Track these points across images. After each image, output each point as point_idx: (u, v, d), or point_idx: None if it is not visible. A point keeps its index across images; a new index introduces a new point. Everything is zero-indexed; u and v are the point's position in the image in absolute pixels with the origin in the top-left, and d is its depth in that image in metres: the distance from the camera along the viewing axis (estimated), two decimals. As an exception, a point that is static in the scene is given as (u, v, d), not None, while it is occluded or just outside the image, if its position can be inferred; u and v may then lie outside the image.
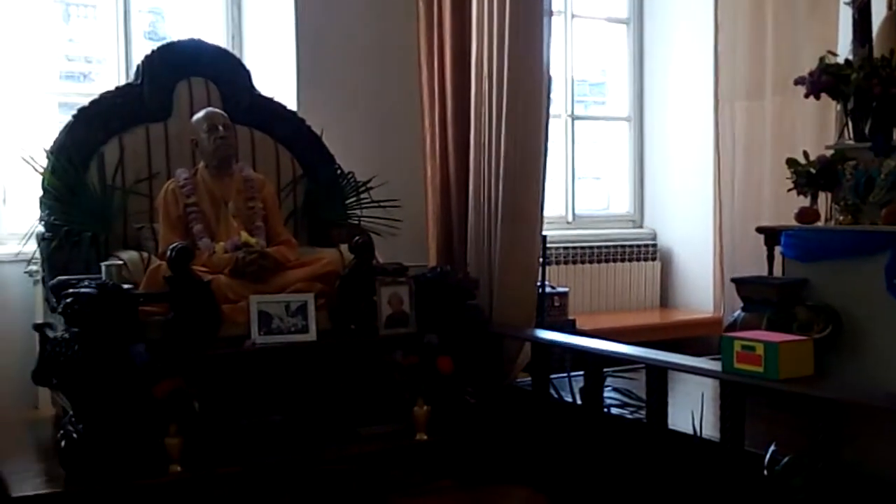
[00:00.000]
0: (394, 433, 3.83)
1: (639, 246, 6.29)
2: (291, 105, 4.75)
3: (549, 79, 4.21)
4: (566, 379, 4.02)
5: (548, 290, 4.97)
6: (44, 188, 4.00)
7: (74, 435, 3.29)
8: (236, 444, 3.68)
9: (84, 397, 3.30)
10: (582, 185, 6.33)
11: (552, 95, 4.28)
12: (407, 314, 3.91)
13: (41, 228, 3.98)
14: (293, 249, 4.05)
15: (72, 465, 3.30)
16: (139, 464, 3.32)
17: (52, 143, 4.07)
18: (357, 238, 3.96)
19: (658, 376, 3.36)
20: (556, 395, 3.96)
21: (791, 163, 4.13)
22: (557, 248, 5.85)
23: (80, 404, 3.31)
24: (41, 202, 4.00)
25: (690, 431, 3.33)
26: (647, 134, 6.49)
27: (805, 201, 4.12)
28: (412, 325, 3.91)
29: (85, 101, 4.18)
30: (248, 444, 3.72)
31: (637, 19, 6.44)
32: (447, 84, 4.57)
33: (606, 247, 6.14)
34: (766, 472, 2.99)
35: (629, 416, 3.72)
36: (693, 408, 3.40)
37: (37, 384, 4.06)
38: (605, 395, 3.77)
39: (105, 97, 4.19)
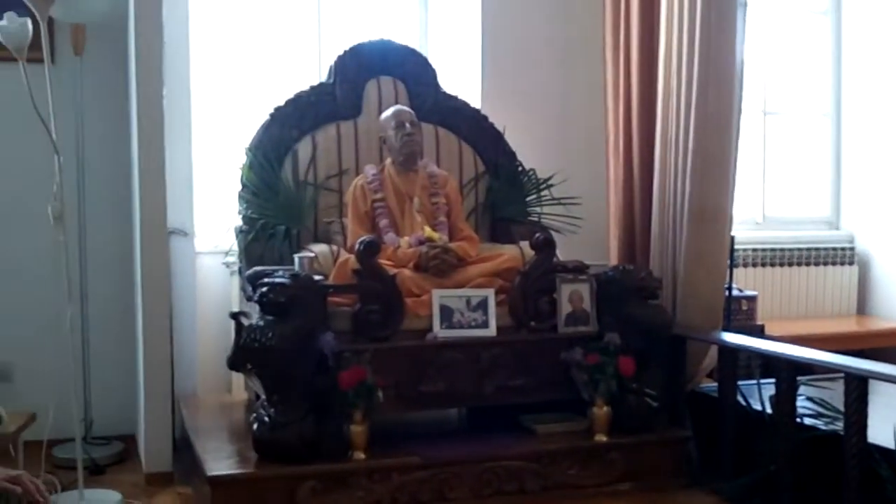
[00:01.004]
0: (572, 433, 3.80)
1: (835, 249, 5.93)
2: (475, 102, 4.79)
3: (742, 73, 4.04)
4: (755, 386, 3.86)
5: (735, 293, 4.77)
6: (242, 184, 4.20)
7: (266, 419, 3.43)
8: (417, 434, 3.76)
9: (276, 383, 3.43)
10: (774, 185, 6.04)
11: (744, 90, 4.09)
12: (587, 312, 3.86)
13: (239, 222, 4.18)
14: (474, 245, 4.08)
15: (262, 448, 3.45)
16: (325, 449, 3.43)
17: (250, 141, 4.27)
18: (538, 235, 3.95)
19: (858, 386, 3.16)
20: (743, 403, 3.80)
21: None
22: (746, 250, 5.61)
23: (272, 389, 3.44)
24: (239, 197, 4.20)
25: (892, 445, 3.12)
26: (845, 131, 6.12)
27: None
28: (593, 324, 3.85)
29: (281, 101, 4.35)
30: (428, 435, 3.79)
31: (836, 10, 6.09)
32: (633, 78, 4.47)
33: (799, 249, 5.82)
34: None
35: (824, 427, 3.53)
36: (895, 420, 3.19)
37: (231, 369, 4.28)
38: (798, 404, 3.58)
39: (300, 97, 4.35)
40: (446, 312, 3.71)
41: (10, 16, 3.32)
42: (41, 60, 3.43)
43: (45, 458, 3.61)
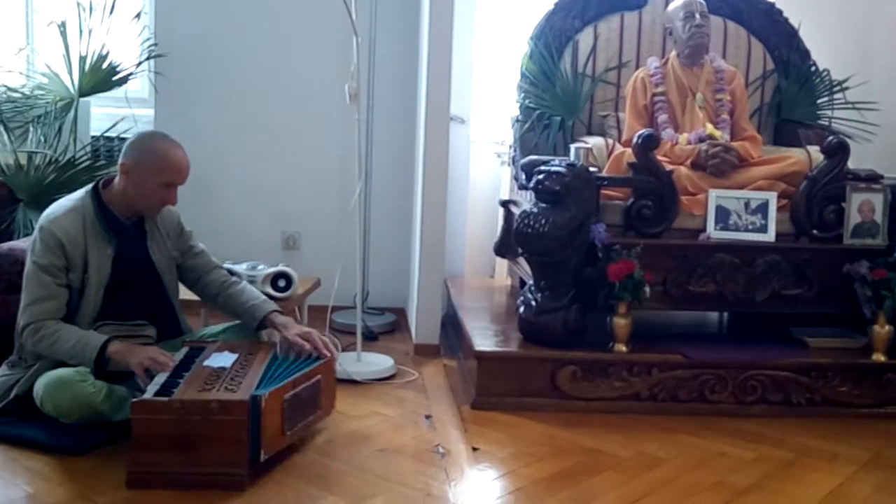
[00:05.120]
0: (847, 349, 3.62)
1: None
2: (770, -5, 4.51)
3: None
4: None
5: None
6: (521, 73, 4.23)
7: (532, 303, 3.52)
8: (678, 334, 3.73)
9: (545, 269, 3.49)
10: None
11: None
12: (878, 225, 3.61)
13: (515, 112, 4.22)
14: (757, 146, 3.91)
15: (527, 330, 3.55)
16: (587, 338, 3.48)
17: (532, 30, 4.27)
18: (831, 138, 3.71)
19: None
20: None
21: None
22: None
23: (541, 275, 3.52)
24: (518, 86, 4.23)
25: None
26: None
27: None
28: (883, 237, 3.60)
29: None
30: (690, 335, 3.74)
31: None
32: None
33: None
34: None
35: None
36: None
37: (497, 255, 4.42)
38: None
39: (585, -15, 4.30)
40: (722, 213, 3.60)
41: None
42: (344, -57, 3.57)
43: (328, 323, 3.89)
